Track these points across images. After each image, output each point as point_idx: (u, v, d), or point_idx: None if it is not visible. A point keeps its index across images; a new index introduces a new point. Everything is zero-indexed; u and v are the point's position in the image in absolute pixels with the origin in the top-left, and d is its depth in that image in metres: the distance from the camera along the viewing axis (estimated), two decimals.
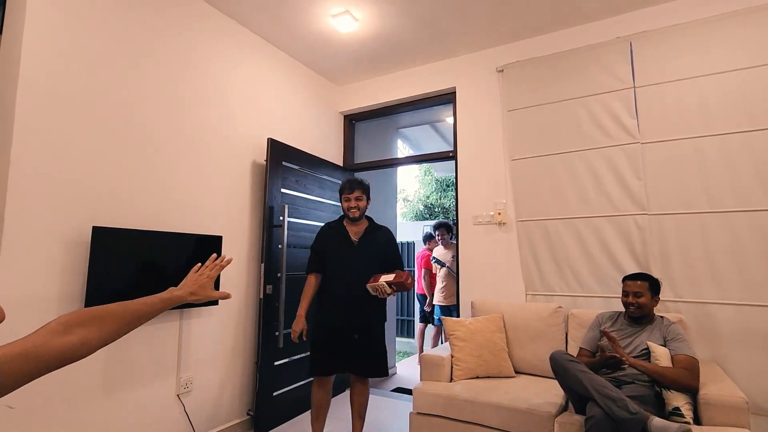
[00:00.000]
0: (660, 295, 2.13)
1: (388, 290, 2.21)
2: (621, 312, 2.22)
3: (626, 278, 2.16)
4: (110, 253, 2.01)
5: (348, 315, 2.31)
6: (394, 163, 4.08)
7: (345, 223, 2.45)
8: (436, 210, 12.31)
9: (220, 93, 2.75)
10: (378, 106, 3.78)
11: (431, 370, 2.43)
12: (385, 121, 4.36)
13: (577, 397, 1.89)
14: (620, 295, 2.20)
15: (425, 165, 11.79)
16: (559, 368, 1.89)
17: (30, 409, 1.77)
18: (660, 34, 2.60)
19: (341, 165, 3.88)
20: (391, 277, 2.23)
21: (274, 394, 2.87)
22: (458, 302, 3.16)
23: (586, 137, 2.76)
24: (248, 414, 2.79)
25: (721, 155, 2.39)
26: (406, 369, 4.63)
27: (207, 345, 2.56)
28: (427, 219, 11.74)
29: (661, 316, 2.14)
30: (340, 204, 3.67)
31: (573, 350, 2.38)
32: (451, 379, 2.43)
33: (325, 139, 3.74)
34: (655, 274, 2.47)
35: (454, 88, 3.35)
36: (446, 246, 4.53)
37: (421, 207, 12.74)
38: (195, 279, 1.00)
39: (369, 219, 2.52)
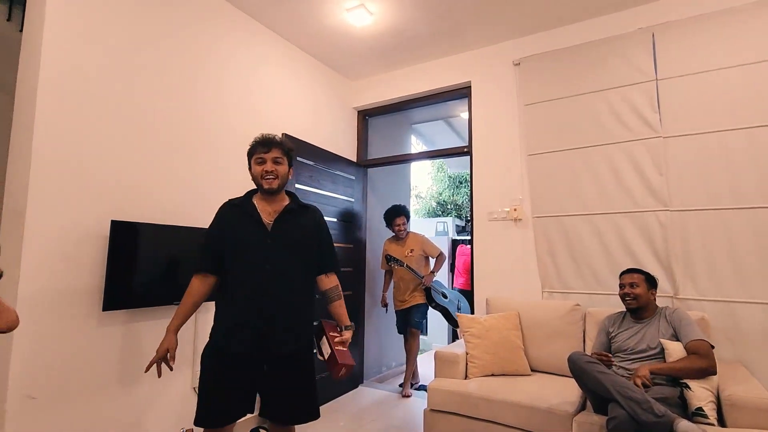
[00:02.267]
0: (674, 293, 2.07)
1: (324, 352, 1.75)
2: (625, 311, 2.18)
3: (622, 273, 2.20)
4: (129, 246, 2.04)
5: (259, 336, 1.57)
6: (408, 158, 4.06)
7: (255, 200, 1.71)
8: (449, 207, 12.24)
9: (236, 89, 2.75)
10: (392, 101, 3.75)
11: (446, 367, 2.41)
12: (399, 116, 4.33)
13: (597, 398, 1.85)
14: None
15: (438, 162, 11.71)
16: (578, 370, 1.85)
17: (51, 400, 1.80)
18: (684, 25, 2.51)
19: (354, 160, 3.87)
20: (327, 350, 1.72)
21: None
22: (472, 302, 3.12)
23: (606, 131, 2.69)
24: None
25: (747, 149, 2.31)
26: (421, 365, 4.61)
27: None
28: (439, 216, 11.67)
29: (665, 306, 2.11)
30: (351, 200, 3.70)
31: (590, 349, 2.33)
32: (466, 376, 2.41)
33: (339, 135, 3.73)
34: (678, 272, 2.41)
35: (470, 82, 3.31)
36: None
37: (434, 204, 12.68)
38: None
39: (292, 195, 1.81)
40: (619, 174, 2.63)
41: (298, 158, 3.09)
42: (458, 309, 3.60)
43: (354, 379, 3.60)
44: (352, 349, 3.56)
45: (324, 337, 1.75)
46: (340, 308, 1.82)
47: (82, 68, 1.98)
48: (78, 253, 1.92)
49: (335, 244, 3.31)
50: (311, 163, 3.23)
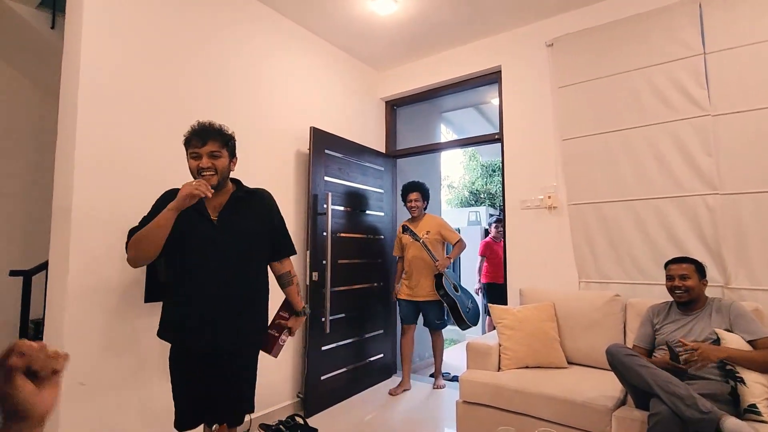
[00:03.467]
0: (725, 283, 1.93)
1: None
2: (672, 301, 2.05)
3: (669, 263, 2.05)
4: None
5: (216, 332, 1.54)
6: (438, 147, 4.00)
7: None
8: (482, 196, 12.01)
9: (265, 84, 2.79)
10: (419, 90, 3.69)
11: (478, 359, 2.37)
12: (428, 105, 4.26)
13: (638, 393, 1.76)
14: None
15: (470, 150, 11.49)
16: (617, 363, 1.77)
17: (98, 386, 1.91)
18: None
19: (383, 152, 3.85)
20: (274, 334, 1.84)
21: (322, 378, 2.94)
22: (505, 287, 3.05)
23: (648, 112, 2.53)
24: (298, 396, 2.88)
25: None
26: (453, 357, 4.59)
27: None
28: (472, 205, 11.49)
29: (714, 298, 1.98)
30: (380, 191, 3.69)
31: (631, 342, 2.22)
32: (499, 368, 2.36)
33: (367, 126, 3.72)
34: (729, 260, 2.25)
35: (500, 66, 3.20)
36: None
37: (467, 193, 12.48)
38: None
39: (236, 182, 1.70)
40: (662, 156, 2.47)
41: (327, 151, 3.11)
42: (467, 310, 3.18)
43: (387, 369, 3.63)
44: (383, 341, 3.57)
45: (277, 317, 1.79)
46: (292, 294, 1.82)
47: (120, 71, 2.06)
48: (120, 247, 2.02)
49: (365, 236, 3.32)
50: (340, 155, 3.25)
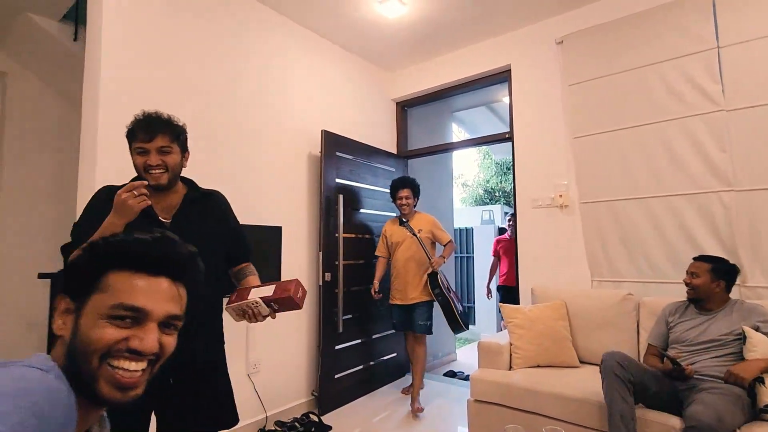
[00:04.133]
0: (742, 281, 1.91)
1: (265, 311, 1.37)
2: (688, 300, 2.03)
3: (693, 258, 2.05)
4: None
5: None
6: (449, 147, 4.01)
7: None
8: (497, 194, 11.93)
9: (276, 88, 2.86)
10: (430, 90, 3.71)
11: (490, 358, 2.38)
12: (439, 105, 4.28)
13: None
14: None
15: (484, 148, 11.43)
16: (602, 376, 1.81)
17: None
18: None
19: (395, 153, 3.88)
20: (269, 290, 1.38)
21: (336, 376, 2.99)
22: (517, 288, 3.05)
23: (660, 108, 2.50)
24: (312, 395, 2.93)
25: None
26: (466, 356, 4.60)
27: (272, 328, 2.71)
28: (487, 204, 11.43)
29: (738, 300, 1.94)
30: (388, 191, 3.70)
31: (644, 341, 2.20)
32: (511, 367, 2.37)
33: (378, 128, 3.76)
34: (745, 257, 2.21)
35: (509, 65, 3.19)
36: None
37: (481, 191, 12.41)
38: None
39: (188, 182, 1.52)
40: (675, 153, 2.44)
41: (338, 153, 3.16)
42: (461, 312, 2.94)
43: (400, 368, 3.66)
44: (395, 341, 3.58)
45: (249, 294, 1.39)
46: (256, 280, 1.56)
47: (138, 79, 2.15)
48: None
49: (377, 237, 3.34)
50: (351, 157, 3.29)
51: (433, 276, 2.91)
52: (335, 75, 3.35)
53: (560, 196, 2.85)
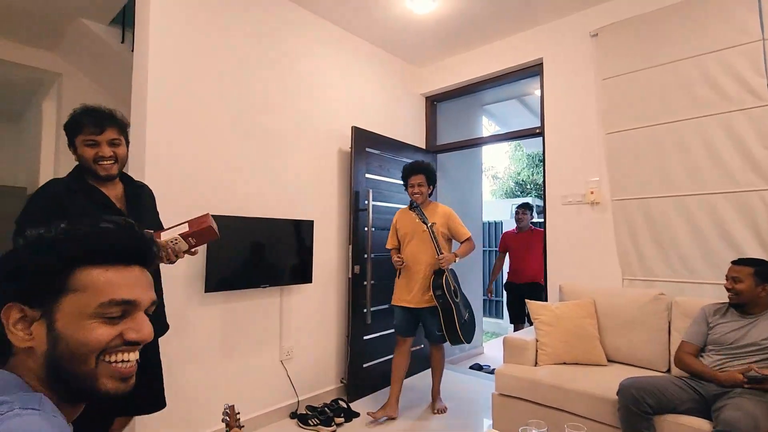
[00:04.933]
0: None
1: (184, 246, 1.41)
2: (729, 303, 1.98)
3: (732, 262, 1.97)
4: (223, 237, 2.32)
5: None
6: (478, 142, 3.99)
7: (94, 183, 1.45)
8: (528, 187, 11.70)
9: (309, 86, 2.94)
10: (460, 84, 3.70)
11: (515, 353, 2.41)
12: (468, 99, 4.25)
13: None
14: None
15: (515, 141, 11.20)
16: (618, 405, 1.83)
17: (169, 367, 2.16)
18: None
19: (424, 147, 3.91)
20: (182, 227, 1.41)
21: (364, 365, 3.10)
22: (546, 285, 3.04)
23: (699, 103, 2.42)
24: (342, 382, 3.06)
25: None
26: (493, 350, 4.62)
27: (304, 318, 2.84)
28: (518, 196, 11.24)
29: None
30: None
31: (676, 341, 2.17)
32: (536, 364, 2.39)
33: (407, 123, 3.79)
34: None
35: (541, 59, 3.14)
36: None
37: (512, 184, 12.21)
38: None
39: (123, 175, 1.58)
40: (715, 149, 2.35)
41: (368, 149, 3.22)
42: (463, 321, 2.60)
43: (426, 360, 3.72)
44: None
45: (164, 234, 1.41)
46: None
47: (182, 82, 2.28)
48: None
49: None
50: (380, 153, 3.35)
51: (438, 273, 2.60)
52: (365, 71, 3.40)
53: (591, 192, 2.81)
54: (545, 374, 2.21)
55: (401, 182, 3.57)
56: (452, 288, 2.61)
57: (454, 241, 2.86)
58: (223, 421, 1.00)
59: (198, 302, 2.30)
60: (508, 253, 4.13)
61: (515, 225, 4.10)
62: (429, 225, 2.60)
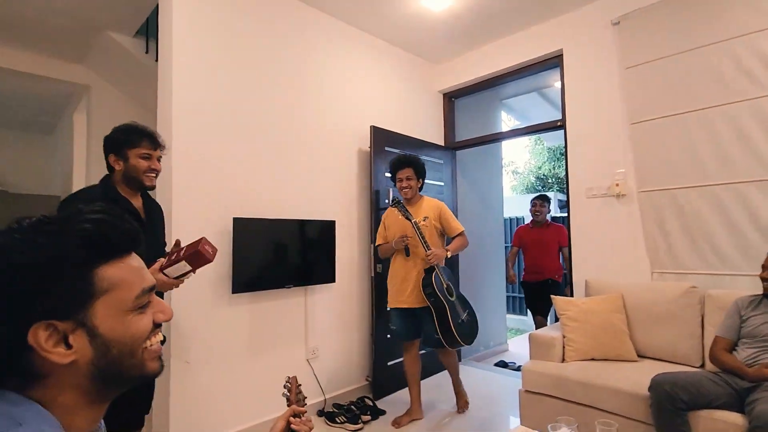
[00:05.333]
0: None
1: (186, 269, 1.45)
2: (763, 294, 1.91)
3: None
4: (248, 239, 2.39)
5: None
6: (497, 137, 3.96)
7: (124, 194, 1.58)
8: (550, 181, 11.49)
9: (328, 88, 2.97)
10: (478, 80, 3.67)
11: (541, 350, 2.38)
12: (487, 94, 4.21)
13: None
14: None
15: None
16: (650, 401, 1.80)
17: (199, 364, 2.23)
18: None
19: (442, 144, 3.89)
20: (181, 253, 1.44)
21: (389, 363, 3.12)
22: (571, 280, 2.99)
23: (729, 89, 2.33)
24: (367, 380, 3.08)
25: None
26: (518, 346, 4.57)
27: (329, 317, 2.88)
28: (539, 191, 11.05)
29: None
30: (440, 184, 3.74)
31: (710, 335, 2.11)
32: (563, 360, 2.36)
33: (426, 120, 3.78)
34: None
35: (561, 50, 3.09)
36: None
37: (533, 179, 12.02)
38: None
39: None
40: (747, 136, 2.27)
41: (387, 148, 3.23)
42: (460, 322, 2.47)
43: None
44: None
45: (173, 261, 1.43)
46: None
47: (205, 88, 2.34)
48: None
49: None
50: (398, 151, 3.35)
51: (428, 271, 2.48)
52: (382, 69, 3.41)
53: (617, 184, 2.74)
54: (573, 370, 2.18)
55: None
56: (444, 286, 2.46)
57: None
58: (283, 395, 0.99)
59: (226, 303, 2.36)
60: (521, 250, 3.91)
61: (531, 219, 3.91)
62: (414, 221, 2.48)
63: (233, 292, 2.32)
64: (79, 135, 4.10)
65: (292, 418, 0.88)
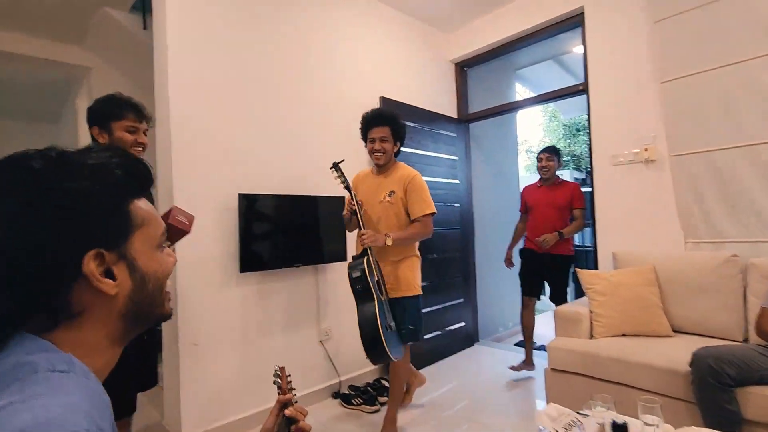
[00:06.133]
0: None
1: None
2: None
3: None
4: (255, 216, 2.28)
5: None
6: (513, 107, 3.75)
7: None
8: (565, 158, 11.16)
9: (334, 58, 2.81)
10: (491, 46, 3.46)
11: (568, 326, 2.24)
12: (500, 63, 4.00)
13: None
14: None
15: (550, 109, 10.68)
16: (692, 378, 1.65)
17: (208, 346, 2.15)
18: None
19: (455, 117, 3.71)
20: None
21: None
22: (596, 252, 2.82)
23: None
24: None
25: None
26: (538, 326, 4.42)
27: (342, 297, 2.77)
28: None
29: None
30: (454, 158, 3.56)
31: (754, 307, 1.94)
32: (591, 336, 2.21)
33: (437, 91, 3.60)
34: None
35: (582, 8, 2.86)
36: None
37: None
38: None
39: None
40: None
41: None
42: (386, 328, 1.94)
43: (469, 337, 3.60)
44: (464, 310, 3.52)
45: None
46: None
47: (203, 61, 2.20)
48: (215, 224, 2.20)
49: (441, 203, 3.26)
50: (411, 124, 3.19)
51: (360, 255, 2.06)
52: (392, 39, 3.23)
53: (645, 149, 2.55)
54: (604, 347, 2.03)
55: (434, 154, 3.39)
56: (375, 279, 2.00)
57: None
58: (275, 383, 0.92)
59: (234, 283, 2.26)
60: (529, 214, 3.14)
61: (539, 178, 3.13)
62: (354, 196, 2.07)
63: (241, 272, 2.22)
64: (82, 121, 3.98)
65: (287, 410, 0.81)
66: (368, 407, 2.44)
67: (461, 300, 3.54)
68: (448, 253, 3.43)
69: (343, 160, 2.17)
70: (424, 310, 3.17)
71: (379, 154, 2.14)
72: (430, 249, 3.27)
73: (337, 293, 2.76)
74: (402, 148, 3.11)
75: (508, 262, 3.34)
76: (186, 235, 1.39)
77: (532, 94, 5.41)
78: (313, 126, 2.68)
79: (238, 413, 2.24)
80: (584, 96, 2.93)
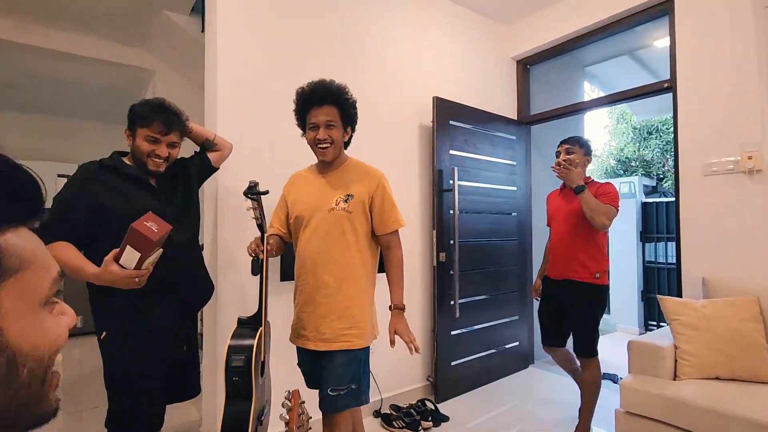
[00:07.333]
0: None
1: (136, 255, 1.17)
2: None
3: None
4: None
5: (182, 306, 1.53)
6: (581, 108, 3.40)
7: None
8: (633, 164, 10.31)
9: (384, 56, 2.67)
10: (557, 41, 3.15)
11: (645, 362, 1.93)
12: (567, 59, 3.66)
13: None
14: None
15: (617, 111, 9.94)
16: None
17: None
18: None
19: (515, 118, 3.43)
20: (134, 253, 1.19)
21: (452, 363, 2.80)
22: (679, 277, 2.43)
23: None
24: (428, 380, 2.79)
25: None
26: (601, 349, 4.01)
27: (385, 310, 2.59)
28: (620, 175, 9.96)
29: None
30: (512, 163, 3.29)
31: None
32: (675, 376, 1.89)
33: (496, 91, 3.34)
34: None
35: None
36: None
37: (613, 162, 10.86)
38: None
39: None
40: None
41: (452, 122, 2.87)
42: (260, 419, 1.55)
43: (524, 358, 3.31)
44: (519, 328, 3.23)
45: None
46: None
47: (254, 58, 2.14)
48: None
49: (497, 213, 3.01)
50: (466, 126, 2.97)
51: (248, 323, 1.59)
52: (446, 34, 3.03)
53: (749, 157, 2.16)
54: (693, 392, 1.71)
55: (491, 158, 3.16)
56: (262, 359, 1.56)
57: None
58: (281, 418, 0.80)
59: (274, 291, 2.17)
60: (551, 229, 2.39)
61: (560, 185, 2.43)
62: (266, 240, 1.54)
63: (282, 280, 2.13)
64: None
65: None
66: None
67: (516, 317, 3.26)
68: (504, 266, 3.17)
69: (258, 184, 1.59)
70: (476, 327, 2.97)
71: (325, 145, 1.52)
72: (485, 261, 3.03)
73: (380, 306, 2.59)
74: (454, 152, 2.92)
75: (536, 293, 2.49)
76: (153, 248, 1.15)
77: (601, 94, 4.95)
78: (360, 129, 2.53)
79: (275, 427, 2.15)
80: (666, 95, 2.56)
